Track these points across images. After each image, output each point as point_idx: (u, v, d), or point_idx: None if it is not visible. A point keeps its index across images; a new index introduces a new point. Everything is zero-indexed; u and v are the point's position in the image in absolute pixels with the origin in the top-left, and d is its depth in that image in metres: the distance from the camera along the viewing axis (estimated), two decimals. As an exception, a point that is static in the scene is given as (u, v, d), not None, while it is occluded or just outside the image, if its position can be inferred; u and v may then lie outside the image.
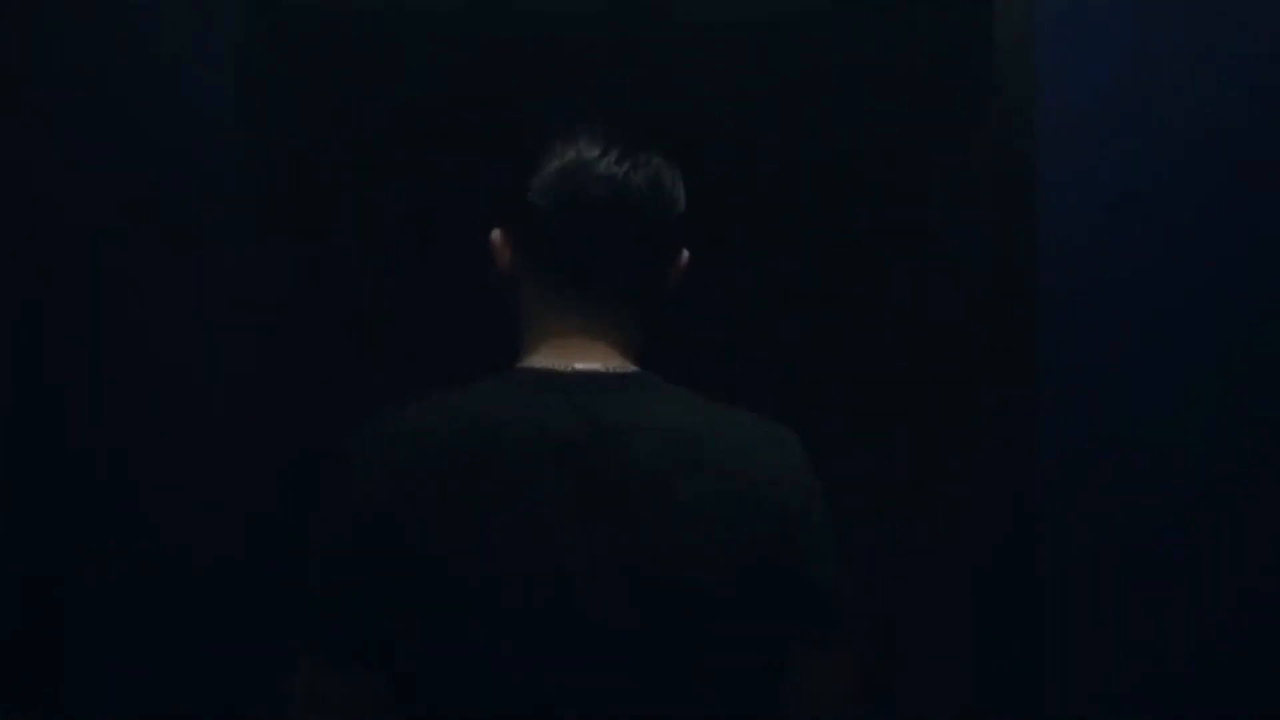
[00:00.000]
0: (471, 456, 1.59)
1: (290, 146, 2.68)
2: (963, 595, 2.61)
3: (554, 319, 1.72)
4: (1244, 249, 2.40)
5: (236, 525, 2.44)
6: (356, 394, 3.25)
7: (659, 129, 1.76)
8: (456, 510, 1.57)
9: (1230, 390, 2.39)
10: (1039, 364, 2.39)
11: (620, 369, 1.70)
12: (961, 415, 2.75)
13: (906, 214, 3.37)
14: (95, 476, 2.46)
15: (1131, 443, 2.39)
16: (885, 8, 2.70)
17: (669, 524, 1.60)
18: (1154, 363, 2.41)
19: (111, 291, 2.47)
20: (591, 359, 1.69)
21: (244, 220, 2.47)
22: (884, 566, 3.28)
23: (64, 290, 2.48)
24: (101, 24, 2.49)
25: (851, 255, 3.52)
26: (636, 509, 1.59)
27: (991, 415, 2.45)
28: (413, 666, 1.59)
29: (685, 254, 1.78)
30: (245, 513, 2.45)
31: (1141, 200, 2.41)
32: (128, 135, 2.47)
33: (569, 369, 1.68)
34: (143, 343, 2.46)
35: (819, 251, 3.56)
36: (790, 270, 3.61)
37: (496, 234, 1.74)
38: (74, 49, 2.50)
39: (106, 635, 2.47)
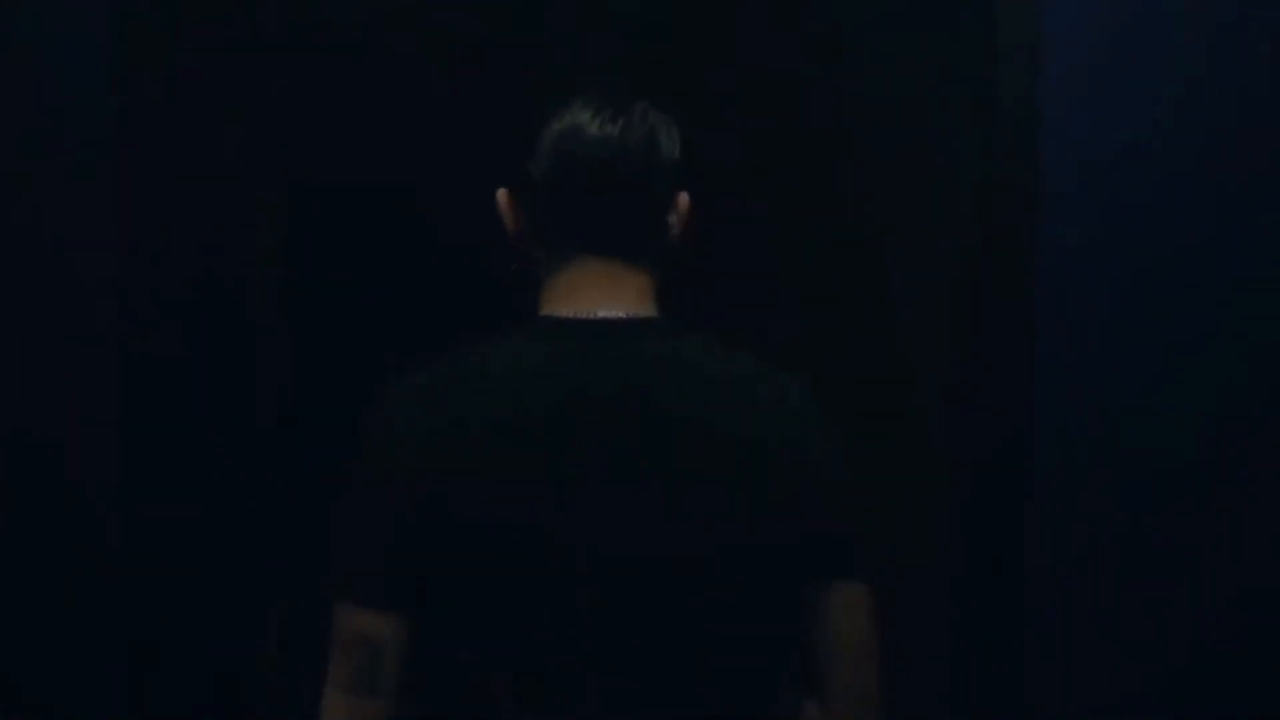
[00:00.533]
0: (501, 407, 1.68)
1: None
2: (945, 596, 2.66)
3: (572, 271, 1.79)
4: (1244, 237, 2.42)
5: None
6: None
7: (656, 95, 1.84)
8: (487, 460, 1.66)
9: (1228, 387, 2.42)
10: (1037, 359, 2.42)
11: (641, 314, 1.78)
12: (957, 413, 2.81)
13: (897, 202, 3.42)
14: None
15: (1127, 440, 2.42)
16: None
17: (696, 468, 1.69)
18: (1150, 358, 2.43)
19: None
20: (613, 307, 1.77)
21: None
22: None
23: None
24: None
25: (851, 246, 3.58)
26: (663, 453, 1.68)
27: (988, 413, 2.48)
28: (441, 610, 1.68)
29: (685, 198, 1.84)
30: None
31: (1142, 191, 2.42)
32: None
33: (592, 316, 1.77)
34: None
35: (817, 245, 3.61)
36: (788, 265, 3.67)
37: (502, 195, 1.83)
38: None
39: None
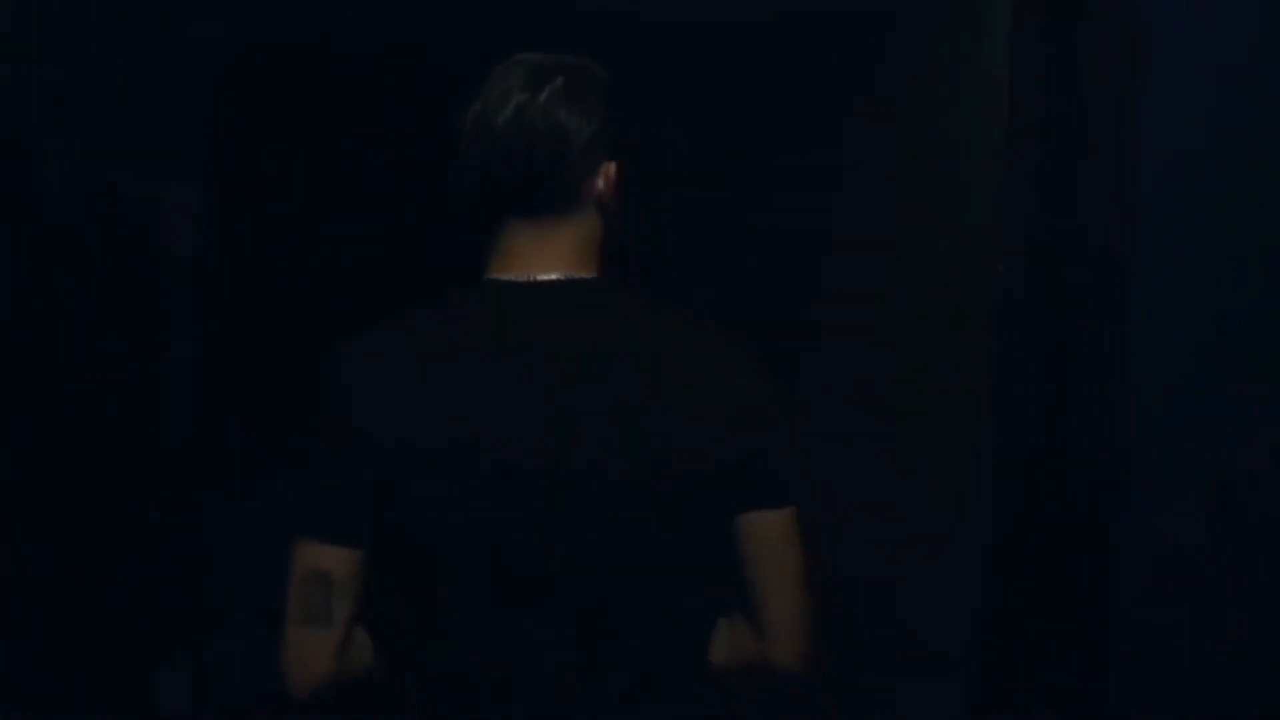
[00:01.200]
0: (438, 358, 1.83)
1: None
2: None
3: (508, 236, 1.90)
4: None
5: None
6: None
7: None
8: (431, 406, 1.81)
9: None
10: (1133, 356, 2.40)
11: (577, 275, 1.90)
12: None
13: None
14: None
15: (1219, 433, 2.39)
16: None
17: (633, 402, 1.83)
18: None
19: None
20: (550, 270, 1.89)
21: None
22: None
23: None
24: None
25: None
26: (601, 390, 1.82)
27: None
28: (392, 542, 1.84)
29: (611, 166, 1.93)
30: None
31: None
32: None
33: (530, 280, 1.89)
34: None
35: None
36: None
37: (454, 165, 1.93)
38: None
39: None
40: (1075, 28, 2.44)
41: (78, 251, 2.86)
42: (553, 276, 1.89)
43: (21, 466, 2.58)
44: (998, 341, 2.62)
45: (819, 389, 3.86)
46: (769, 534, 1.90)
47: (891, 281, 3.71)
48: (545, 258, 1.90)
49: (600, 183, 1.92)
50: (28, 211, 2.58)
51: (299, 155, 4.32)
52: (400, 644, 1.89)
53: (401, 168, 4.39)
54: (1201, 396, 2.39)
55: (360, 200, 4.40)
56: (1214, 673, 2.38)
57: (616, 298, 1.91)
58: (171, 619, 3.39)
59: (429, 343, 1.85)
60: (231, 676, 3.40)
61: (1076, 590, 2.44)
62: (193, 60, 3.60)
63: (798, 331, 3.90)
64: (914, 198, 3.63)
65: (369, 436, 1.82)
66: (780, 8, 3.90)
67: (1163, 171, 2.38)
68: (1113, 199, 2.42)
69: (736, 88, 4.29)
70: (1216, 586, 2.38)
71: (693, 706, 1.91)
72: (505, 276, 1.90)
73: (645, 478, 1.82)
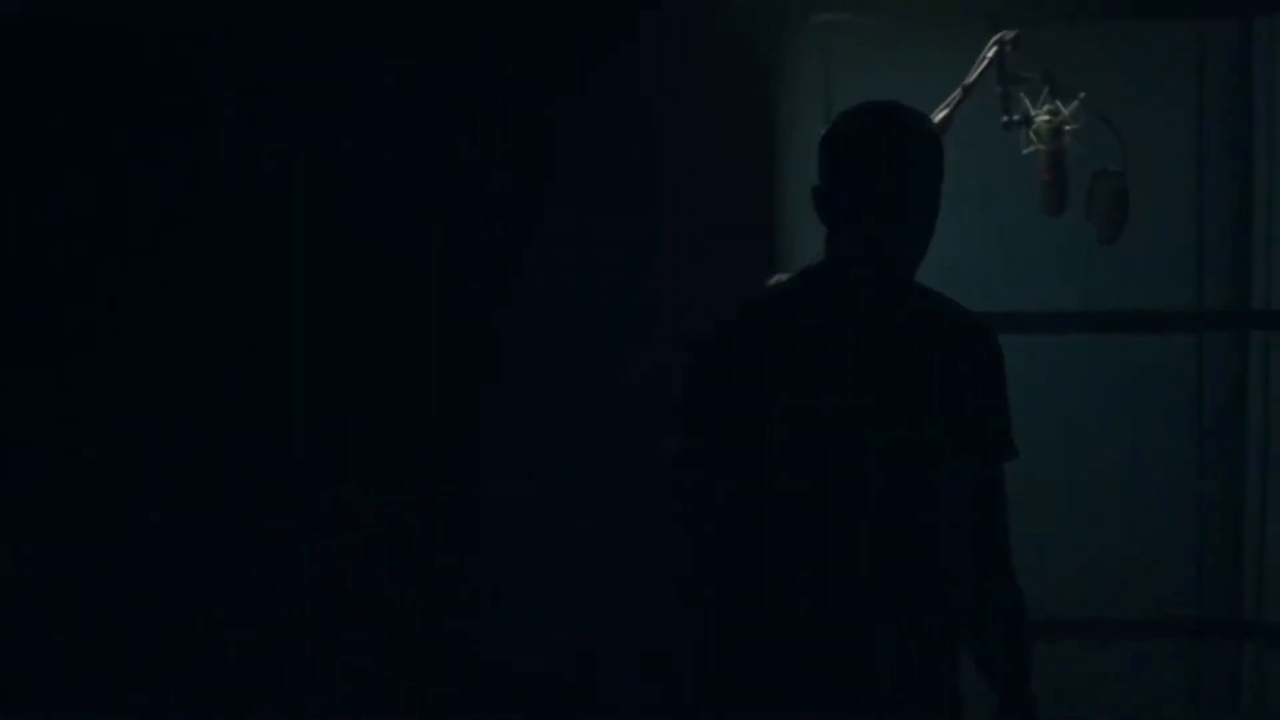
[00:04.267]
0: (782, 324, 2.37)
1: None
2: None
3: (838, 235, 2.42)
4: None
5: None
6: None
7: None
8: (769, 361, 2.33)
9: None
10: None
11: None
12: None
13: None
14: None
15: None
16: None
17: (908, 369, 2.32)
18: None
19: None
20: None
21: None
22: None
23: None
24: None
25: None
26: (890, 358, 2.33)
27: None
28: (743, 471, 2.33)
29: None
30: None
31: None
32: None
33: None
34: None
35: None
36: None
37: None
38: None
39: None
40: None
41: None
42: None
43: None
44: None
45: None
46: (993, 481, 2.36)
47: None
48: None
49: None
50: None
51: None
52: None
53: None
54: None
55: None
56: None
57: (913, 289, 2.42)
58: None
59: (771, 314, 2.43)
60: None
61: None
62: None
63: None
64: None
65: (726, 390, 2.35)
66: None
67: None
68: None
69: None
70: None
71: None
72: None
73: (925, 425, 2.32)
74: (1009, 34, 2.97)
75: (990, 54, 2.98)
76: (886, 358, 2.33)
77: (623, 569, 3.67)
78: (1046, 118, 3.09)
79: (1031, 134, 3.11)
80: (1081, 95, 3.07)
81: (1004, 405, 2.38)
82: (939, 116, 2.88)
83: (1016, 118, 3.09)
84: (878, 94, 4.06)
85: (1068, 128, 3.09)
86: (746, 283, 4.01)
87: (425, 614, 3.85)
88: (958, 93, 2.92)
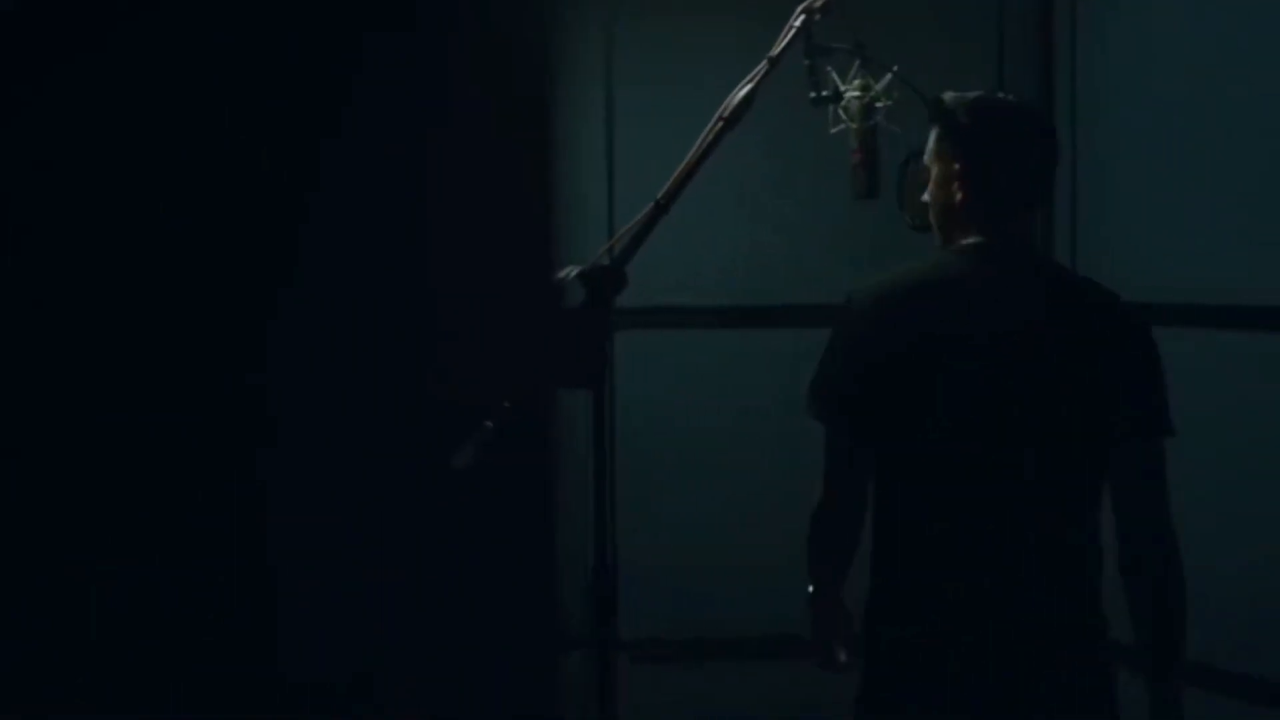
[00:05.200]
0: (924, 306, 2.60)
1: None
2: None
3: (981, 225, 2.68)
4: None
5: None
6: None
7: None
8: (913, 339, 2.55)
9: None
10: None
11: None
12: None
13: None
14: None
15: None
16: None
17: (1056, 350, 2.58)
18: None
19: None
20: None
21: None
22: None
23: None
24: None
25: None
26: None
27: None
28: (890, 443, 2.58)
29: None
30: None
31: None
32: None
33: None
34: None
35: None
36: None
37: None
38: None
39: None
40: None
41: None
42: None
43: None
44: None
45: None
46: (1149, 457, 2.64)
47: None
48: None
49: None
50: None
51: None
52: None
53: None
54: None
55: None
56: None
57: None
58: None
59: (913, 296, 2.67)
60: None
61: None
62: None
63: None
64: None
65: (875, 366, 2.59)
66: None
67: None
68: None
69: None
70: None
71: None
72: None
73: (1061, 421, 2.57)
74: (817, 1, 2.68)
75: (798, 23, 2.69)
76: (1044, 340, 2.53)
77: (402, 583, 3.61)
78: (857, 93, 2.83)
79: (841, 111, 2.85)
80: (895, 69, 2.82)
81: (1161, 383, 2.58)
82: (742, 92, 2.58)
83: (825, 93, 2.82)
84: (662, 73, 3.91)
85: (879, 104, 2.83)
86: (524, 273, 3.85)
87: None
88: (763, 65, 2.62)
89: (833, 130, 2.86)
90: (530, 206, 3.86)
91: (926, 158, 2.79)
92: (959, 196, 2.67)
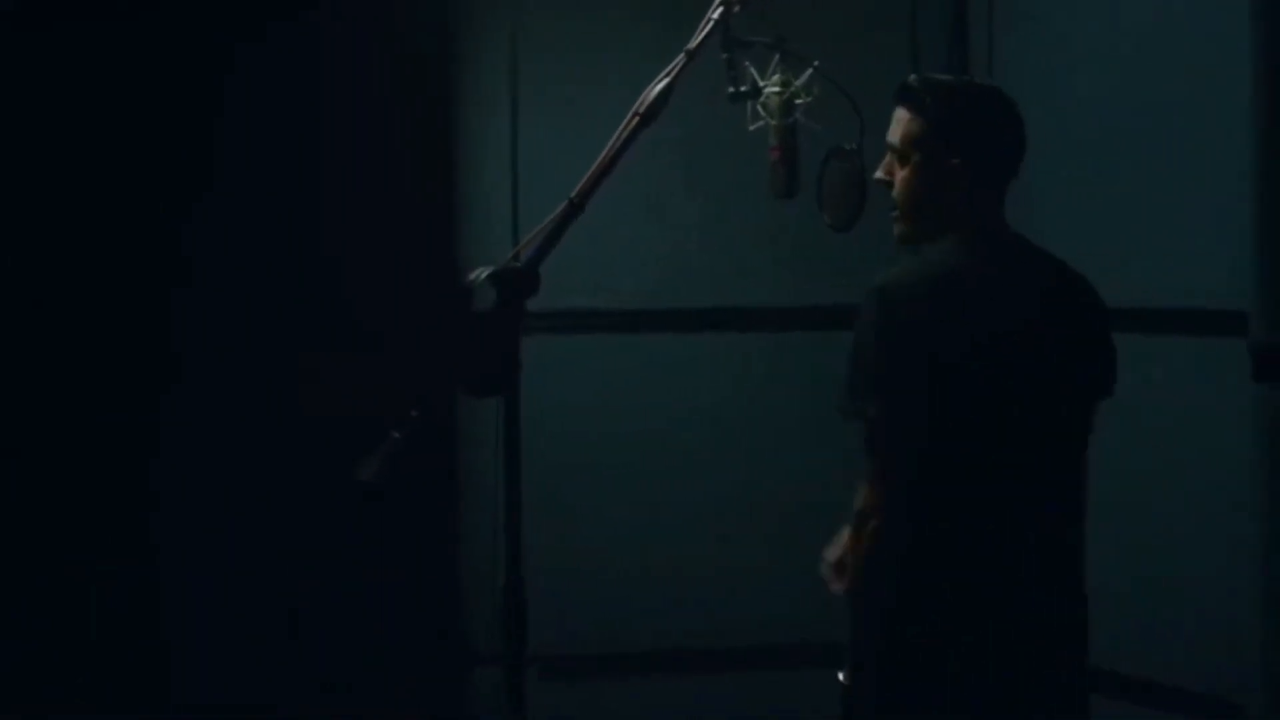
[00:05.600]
0: (965, 301, 2.55)
1: None
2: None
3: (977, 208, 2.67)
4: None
5: None
6: None
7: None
8: (959, 335, 2.51)
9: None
10: None
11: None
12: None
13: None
14: None
15: None
16: None
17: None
18: None
19: None
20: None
21: None
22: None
23: None
24: None
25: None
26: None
27: None
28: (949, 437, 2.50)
29: None
30: None
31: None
32: None
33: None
34: None
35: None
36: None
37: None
38: None
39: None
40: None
41: None
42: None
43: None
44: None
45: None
46: None
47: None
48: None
49: None
50: None
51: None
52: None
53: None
54: None
55: None
56: None
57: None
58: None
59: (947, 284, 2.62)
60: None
61: None
62: None
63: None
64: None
65: (919, 354, 2.53)
66: None
67: None
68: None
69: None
70: None
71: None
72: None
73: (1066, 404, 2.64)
74: (736, -8, 2.59)
75: (716, 15, 2.59)
76: (1057, 332, 2.58)
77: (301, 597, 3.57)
78: (777, 89, 2.73)
79: (760, 107, 2.75)
80: (816, 63, 2.73)
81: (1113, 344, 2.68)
82: (658, 87, 2.47)
83: (744, 88, 2.72)
84: (568, 69, 3.82)
85: (799, 100, 2.74)
86: (428, 273, 3.76)
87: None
88: (680, 59, 2.52)
89: (751, 127, 2.77)
90: (433, 204, 3.76)
91: (899, 146, 2.68)
92: (958, 186, 2.63)
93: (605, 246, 3.77)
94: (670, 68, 2.51)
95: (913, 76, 2.71)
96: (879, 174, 2.72)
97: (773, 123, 2.74)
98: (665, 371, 3.85)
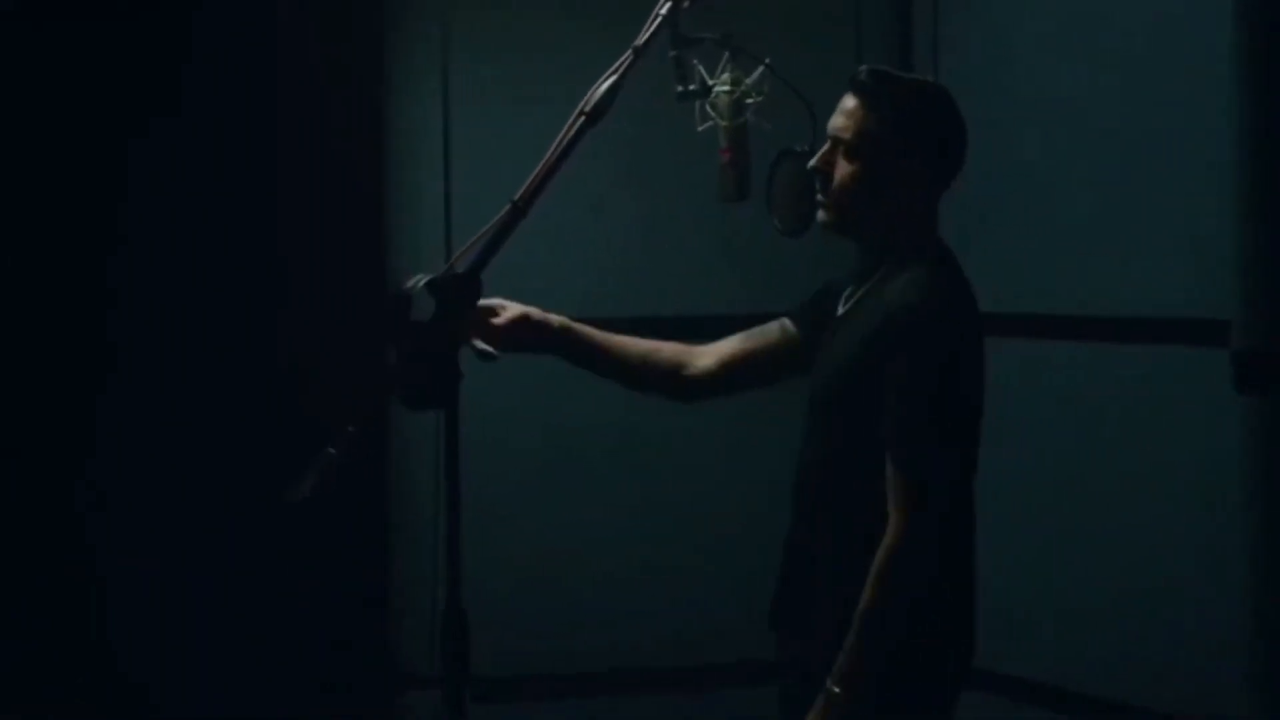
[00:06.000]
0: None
1: None
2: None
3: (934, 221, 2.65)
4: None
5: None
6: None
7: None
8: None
9: None
10: None
11: None
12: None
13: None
14: None
15: None
16: None
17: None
18: None
19: None
20: None
21: None
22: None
23: None
24: None
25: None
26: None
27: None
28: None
29: None
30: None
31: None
32: None
33: None
34: None
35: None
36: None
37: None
38: None
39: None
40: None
41: None
42: None
43: None
44: None
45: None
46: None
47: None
48: None
49: None
50: None
51: None
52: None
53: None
54: None
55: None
56: None
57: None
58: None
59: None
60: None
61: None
62: None
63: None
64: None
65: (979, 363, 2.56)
66: None
67: None
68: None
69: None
70: None
71: None
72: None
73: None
74: (684, -14, 2.48)
75: (664, 10, 2.48)
76: None
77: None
78: (727, 88, 2.63)
79: (709, 107, 2.64)
80: (767, 61, 2.63)
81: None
82: (605, 85, 2.37)
83: (693, 87, 2.61)
84: (501, 66, 3.72)
85: (750, 100, 2.63)
86: (356, 278, 3.66)
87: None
88: (628, 55, 2.42)
89: (700, 128, 2.66)
90: (362, 206, 3.65)
91: (850, 140, 2.56)
92: (913, 188, 2.57)
93: (544, 253, 3.64)
94: (617, 64, 2.41)
95: (865, 68, 2.58)
96: (814, 163, 2.58)
97: (722, 123, 2.64)
98: (600, 383, 3.73)
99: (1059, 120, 3.66)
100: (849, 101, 2.56)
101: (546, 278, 3.63)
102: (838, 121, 2.56)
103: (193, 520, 3.58)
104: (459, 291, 2.22)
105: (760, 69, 2.63)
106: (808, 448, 2.63)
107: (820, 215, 2.60)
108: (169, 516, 3.61)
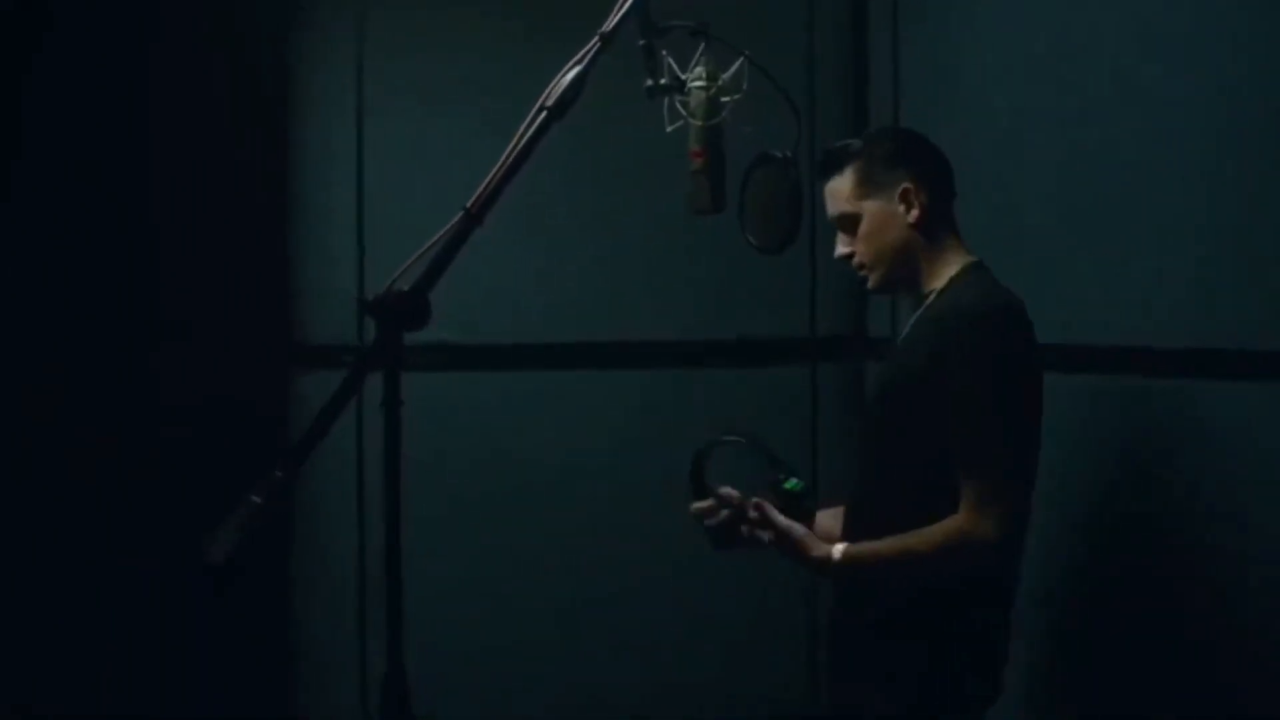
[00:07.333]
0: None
1: None
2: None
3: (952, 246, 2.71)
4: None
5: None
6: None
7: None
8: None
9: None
10: None
11: None
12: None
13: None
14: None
15: None
16: None
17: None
18: None
19: None
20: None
21: None
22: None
23: None
24: None
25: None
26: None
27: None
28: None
29: None
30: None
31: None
32: None
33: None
34: None
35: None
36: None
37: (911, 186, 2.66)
38: None
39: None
40: None
41: None
42: None
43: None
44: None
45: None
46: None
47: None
48: None
49: None
50: None
51: None
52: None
53: None
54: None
55: None
56: None
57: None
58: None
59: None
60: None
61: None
62: None
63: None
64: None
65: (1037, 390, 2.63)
66: None
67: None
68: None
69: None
70: None
71: None
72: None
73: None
74: (653, -31, 2.22)
75: (632, -3, 2.21)
76: None
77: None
78: (701, 83, 2.33)
79: (680, 105, 2.35)
80: (746, 53, 2.35)
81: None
82: (569, 75, 2.12)
83: (663, 81, 2.33)
84: (417, 69, 3.45)
85: (726, 98, 2.34)
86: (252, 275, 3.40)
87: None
88: (595, 42, 2.15)
89: (669, 128, 2.38)
90: (267, 218, 3.52)
91: (847, 210, 2.66)
92: (915, 203, 2.64)
93: (480, 272, 3.30)
94: (582, 53, 2.16)
95: (821, 150, 2.70)
96: (838, 253, 2.69)
97: (695, 123, 2.34)
98: (555, 414, 3.42)
99: (1014, 124, 3.44)
100: (825, 185, 2.67)
101: (486, 299, 3.35)
102: (828, 209, 2.68)
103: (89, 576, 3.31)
104: (403, 312, 2.00)
105: (739, 62, 2.34)
106: (860, 483, 2.67)
107: (869, 286, 2.72)
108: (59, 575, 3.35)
